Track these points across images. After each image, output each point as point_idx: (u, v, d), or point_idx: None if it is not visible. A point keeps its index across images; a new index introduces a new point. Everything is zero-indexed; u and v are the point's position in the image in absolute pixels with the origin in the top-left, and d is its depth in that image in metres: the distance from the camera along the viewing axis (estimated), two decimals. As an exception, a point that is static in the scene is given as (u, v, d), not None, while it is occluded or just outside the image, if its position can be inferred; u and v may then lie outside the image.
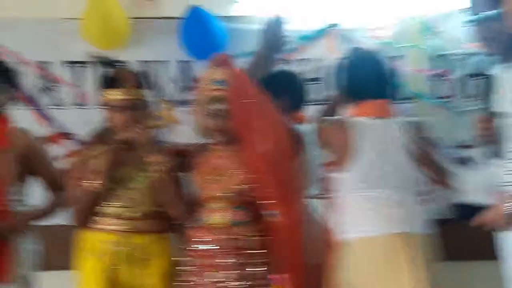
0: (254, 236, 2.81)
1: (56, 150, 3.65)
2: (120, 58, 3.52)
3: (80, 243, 2.88)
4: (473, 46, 3.55)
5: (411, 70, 3.86)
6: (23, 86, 3.68)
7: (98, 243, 2.82)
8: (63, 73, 3.89)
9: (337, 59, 3.20)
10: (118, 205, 2.85)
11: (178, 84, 3.94)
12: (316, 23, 3.91)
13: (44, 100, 3.87)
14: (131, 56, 3.74)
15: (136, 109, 2.92)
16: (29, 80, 3.81)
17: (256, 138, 2.80)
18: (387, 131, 2.79)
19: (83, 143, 3.12)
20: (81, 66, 3.87)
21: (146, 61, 3.88)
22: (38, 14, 3.84)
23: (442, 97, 3.96)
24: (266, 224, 2.82)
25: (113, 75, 3.08)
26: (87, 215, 2.88)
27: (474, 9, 2.67)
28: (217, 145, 2.90)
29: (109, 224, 2.86)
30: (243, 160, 2.85)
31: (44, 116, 3.85)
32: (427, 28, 3.88)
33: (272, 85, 2.85)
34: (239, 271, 2.76)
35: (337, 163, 2.83)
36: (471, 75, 3.75)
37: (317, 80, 3.87)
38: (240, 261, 2.76)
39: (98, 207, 2.87)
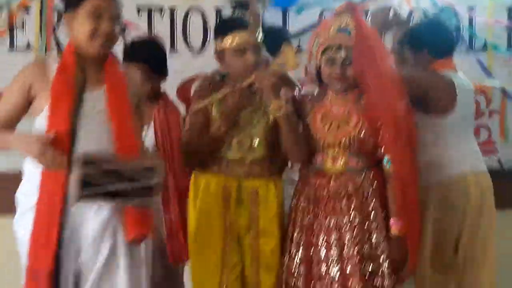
0: (372, 181, 2.81)
1: None
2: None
3: (196, 186, 2.89)
4: None
5: (488, 20, 3.88)
6: None
7: (216, 186, 2.84)
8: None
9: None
10: (237, 149, 2.86)
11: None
12: None
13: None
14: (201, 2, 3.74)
15: (259, 52, 2.91)
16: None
17: (378, 88, 2.81)
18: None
19: (200, 88, 3.06)
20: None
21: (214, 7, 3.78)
22: None
23: None
24: (381, 172, 2.83)
25: (234, 18, 3.14)
26: (207, 158, 2.88)
27: None
28: (334, 92, 2.88)
29: (228, 168, 2.87)
30: (362, 108, 2.84)
31: None
32: None
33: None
34: (357, 214, 2.77)
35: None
36: None
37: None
38: (355, 206, 2.77)
39: (218, 150, 2.87)
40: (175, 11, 3.76)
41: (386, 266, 2.75)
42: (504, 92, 3.86)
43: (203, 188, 2.86)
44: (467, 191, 3.02)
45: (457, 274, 3.13)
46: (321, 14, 3.75)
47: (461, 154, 3.08)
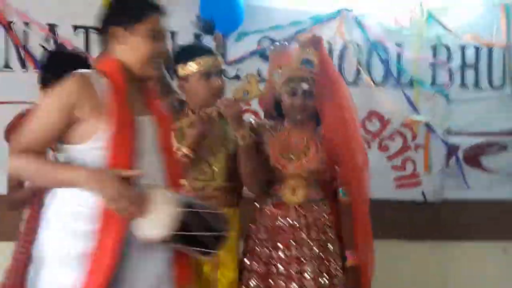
0: (328, 212, 2.86)
1: None
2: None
3: None
4: (472, 38, 3.79)
5: (414, 56, 3.97)
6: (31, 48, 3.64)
7: None
8: (74, 38, 3.74)
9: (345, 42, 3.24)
10: (200, 178, 2.82)
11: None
12: (329, 6, 3.94)
13: None
14: None
15: (221, 77, 2.91)
16: (36, 42, 3.68)
17: (338, 121, 2.87)
18: None
19: None
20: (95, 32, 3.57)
21: None
22: None
23: (440, 85, 4.09)
24: (337, 202, 2.88)
25: (198, 44, 3.09)
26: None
27: None
28: (292, 123, 2.89)
29: None
30: (320, 140, 2.87)
31: None
32: (431, 17, 3.98)
33: None
34: (315, 245, 2.77)
35: None
36: (469, 65, 3.89)
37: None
38: (314, 237, 2.79)
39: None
40: None
41: None
42: (428, 126, 3.95)
43: None
44: None
45: None
46: (259, 42, 3.78)
47: None
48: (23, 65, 3.63)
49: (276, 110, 2.99)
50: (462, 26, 3.85)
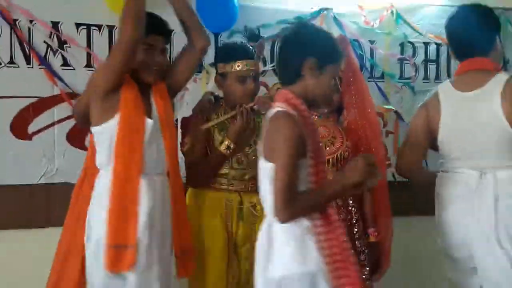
0: (352, 196, 2.98)
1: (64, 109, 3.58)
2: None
3: (197, 202, 2.93)
4: (434, 36, 4.02)
5: (384, 53, 4.15)
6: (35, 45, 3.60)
7: (219, 201, 2.90)
8: (76, 35, 3.67)
9: None
10: (238, 167, 2.92)
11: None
12: (311, 6, 4.03)
13: (55, 60, 3.64)
14: None
15: (258, 80, 3.00)
16: (41, 39, 3.60)
17: (357, 112, 3.05)
18: None
19: (199, 111, 3.10)
20: (96, 29, 3.70)
21: None
22: None
23: (407, 78, 4.27)
24: None
25: (238, 45, 3.12)
26: (212, 176, 2.90)
27: None
28: (318, 116, 3.00)
29: (231, 185, 2.93)
30: (344, 130, 3.01)
31: (55, 76, 3.62)
32: (399, 17, 4.15)
33: None
34: (344, 225, 2.74)
35: None
36: (431, 61, 4.12)
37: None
38: (343, 218, 2.89)
39: (221, 168, 2.90)
40: (114, 29, 3.67)
41: (367, 270, 2.95)
42: (397, 114, 4.13)
43: (207, 204, 2.91)
44: None
45: None
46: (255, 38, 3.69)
47: None
48: (28, 61, 3.55)
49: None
50: (426, 26, 4.02)
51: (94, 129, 2.55)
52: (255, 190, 2.83)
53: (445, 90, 2.78)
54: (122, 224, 2.49)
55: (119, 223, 2.49)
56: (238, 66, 2.93)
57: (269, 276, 2.24)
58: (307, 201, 2.19)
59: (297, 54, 2.27)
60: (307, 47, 2.29)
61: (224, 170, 2.94)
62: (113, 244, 2.46)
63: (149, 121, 2.53)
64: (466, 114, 2.69)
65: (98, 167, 2.57)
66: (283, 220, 2.16)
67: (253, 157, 2.89)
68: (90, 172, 2.71)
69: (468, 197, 2.66)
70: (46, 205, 3.54)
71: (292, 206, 2.14)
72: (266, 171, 2.25)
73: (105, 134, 2.50)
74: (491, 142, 2.71)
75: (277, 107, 2.26)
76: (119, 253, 2.47)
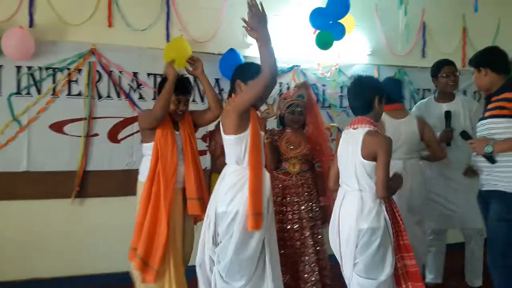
0: (311, 177, 3.71)
1: (137, 126, 4.24)
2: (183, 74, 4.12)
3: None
4: None
5: (331, 92, 5.19)
6: (123, 86, 4.42)
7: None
8: (147, 80, 4.60)
9: (297, 84, 3.88)
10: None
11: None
12: (286, 63, 5.00)
13: (135, 95, 4.61)
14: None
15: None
16: (127, 83, 4.53)
17: (313, 127, 3.78)
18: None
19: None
20: (159, 76, 4.51)
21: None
22: (137, 44, 4.58)
23: (344, 107, 5.15)
24: (315, 171, 3.76)
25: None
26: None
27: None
28: (291, 129, 3.70)
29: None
30: (306, 138, 3.72)
31: (134, 104, 4.56)
32: (341, 71, 5.19)
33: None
34: (306, 194, 3.67)
35: None
36: None
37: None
38: (305, 190, 3.66)
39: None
40: None
41: (320, 223, 3.67)
42: (338, 129, 4.87)
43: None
44: None
45: None
46: None
47: None
48: (118, 95, 4.51)
49: (280, 122, 3.81)
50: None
51: (227, 138, 2.90)
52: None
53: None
54: (258, 200, 2.83)
55: (256, 199, 2.83)
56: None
57: (360, 227, 2.79)
58: (390, 188, 2.77)
59: (369, 92, 2.83)
60: (377, 88, 2.86)
61: None
62: (253, 212, 2.82)
63: None
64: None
65: (235, 164, 2.93)
66: (382, 196, 2.75)
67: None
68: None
69: None
70: (128, 182, 3.98)
71: (388, 189, 2.73)
72: (367, 166, 2.80)
73: (239, 142, 2.87)
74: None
75: (365, 127, 2.80)
76: (257, 218, 2.82)
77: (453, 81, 4.11)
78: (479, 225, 3.95)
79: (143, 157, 3.47)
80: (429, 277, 4.36)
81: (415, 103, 5.03)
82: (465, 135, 3.46)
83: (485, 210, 3.39)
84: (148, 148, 3.38)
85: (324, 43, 4.72)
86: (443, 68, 4.14)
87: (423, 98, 5.36)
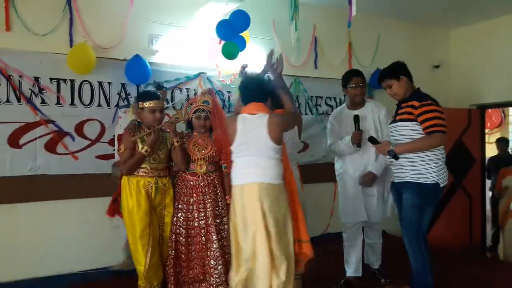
0: (217, 177, 3.57)
1: (40, 131, 4.12)
2: (87, 79, 4.19)
3: (129, 184, 3.40)
4: None
5: (235, 97, 4.74)
6: (23, 91, 4.02)
7: (144, 183, 3.42)
8: (50, 85, 4.22)
9: (203, 91, 3.77)
10: (153, 162, 3.46)
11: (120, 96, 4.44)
12: (193, 71, 4.76)
13: (37, 100, 4.18)
14: (94, 78, 4.34)
15: (163, 112, 3.52)
16: (28, 87, 4.10)
17: (220, 131, 3.58)
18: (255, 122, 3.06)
19: (129, 129, 3.49)
20: (62, 81, 4.25)
21: (101, 82, 4.37)
22: (38, 48, 4.18)
23: None
24: (221, 172, 3.61)
25: (151, 91, 3.59)
26: (137, 168, 3.42)
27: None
28: (198, 133, 3.57)
29: (148, 172, 3.46)
30: (213, 141, 3.57)
31: (36, 109, 4.16)
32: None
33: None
34: (211, 193, 3.52)
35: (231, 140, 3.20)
36: None
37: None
38: (211, 190, 3.52)
39: (143, 163, 3.42)
40: (73, 81, 4.26)
41: (225, 219, 3.49)
42: None
43: (136, 184, 3.41)
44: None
45: None
46: (155, 87, 4.20)
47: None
48: (18, 100, 4.08)
49: (189, 126, 3.67)
50: None
51: None
52: (164, 175, 3.47)
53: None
54: None
55: None
56: (151, 104, 3.38)
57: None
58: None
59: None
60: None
61: (145, 165, 3.39)
62: None
63: None
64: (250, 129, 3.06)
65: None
66: None
67: (162, 156, 3.44)
68: None
69: None
70: (30, 188, 4.06)
71: None
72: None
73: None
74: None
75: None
76: None
77: (360, 92, 4.06)
78: (379, 219, 4.11)
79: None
80: (349, 271, 4.21)
81: (310, 110, 5.60)
82: (372, 140, 3.60)
83: (399, 199, 3.64)
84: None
85: (230, 53, 4.58)
86: (351, 80, 4.09)
87: (316, 104, 5.70)
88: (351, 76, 4.10)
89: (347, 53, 5.98)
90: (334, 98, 5.84)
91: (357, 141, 3.89)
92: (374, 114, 4.03)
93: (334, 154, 4.14)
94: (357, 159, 4.01)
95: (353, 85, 4.05)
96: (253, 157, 3.02)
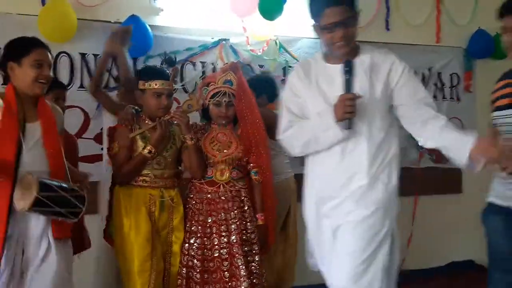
0: (245, 187, 3.09)
1: None
2: (66, 50, 3.69)
3: (125, 197, 2.89)
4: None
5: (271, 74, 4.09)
6: None
7: (144, 196, 2.90)
8: None
9: (224, 66, 3.35)
10: (157, 167, 2.96)
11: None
12: (212, 37, 4.16)
13: None
14: (75, 49, 3.79)
15: (171, 98, 3.03)
16: None
17: (250, 123, 3.08)
18: None
19: (123, 121, 3.06)
20: None
21: (84, 54, 3.84)
22: (1, 9, 3.62)
23: None
24: (251, 180, 3.12)
25: (156, 67, 3.14)
26: (135, 175, 2.92)
27: None
28: (218, 125, 3.10)
29: (151, 182, 2.94)
30: (238, 136, 3.11)
31: None
32: (282, 47, 4.34)
33: (257, 86, 3.33)
34: (237, 211, 3.03)
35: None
36: None
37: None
38: (236, 205, 3.03)
39: (143, 169, 2.92)
40: None
41: (257, 246, 3.04)
42: None
43: (134, 198, 2.90)
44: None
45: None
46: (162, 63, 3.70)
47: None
48: None
49: (204, 116, 3.18)
50: (302, 54, 4.22)
51: None
52: (172, 186, 2.97)
53: None
54: None
55: None
56: (156, 84, 2.97)
57: None
58: None
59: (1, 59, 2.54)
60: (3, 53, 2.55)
61: (146, 171, 2.96)
62: None
63: None
64: None
65: None
66: None
67: (170, 159, 2.98)
68: None
69: None
70: None
71: None
72: None
73: None
74: None
75: None
76: None
77: (343, 35, 2.42)
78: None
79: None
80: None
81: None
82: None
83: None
84: None
85: (270, 9, 4.06)
86: (323, 14, 2.50)
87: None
88: (323, 6, 2.35)
89: (434, 8, 5.07)
90: (415, 72, 4.81)
91: (349, 115, 2.29)
92: (377, 74, 2.45)
93: (290, 151, 2.66)
94: (336, 161, 2.43)
95: (327, 25, 2.35)
96: None
